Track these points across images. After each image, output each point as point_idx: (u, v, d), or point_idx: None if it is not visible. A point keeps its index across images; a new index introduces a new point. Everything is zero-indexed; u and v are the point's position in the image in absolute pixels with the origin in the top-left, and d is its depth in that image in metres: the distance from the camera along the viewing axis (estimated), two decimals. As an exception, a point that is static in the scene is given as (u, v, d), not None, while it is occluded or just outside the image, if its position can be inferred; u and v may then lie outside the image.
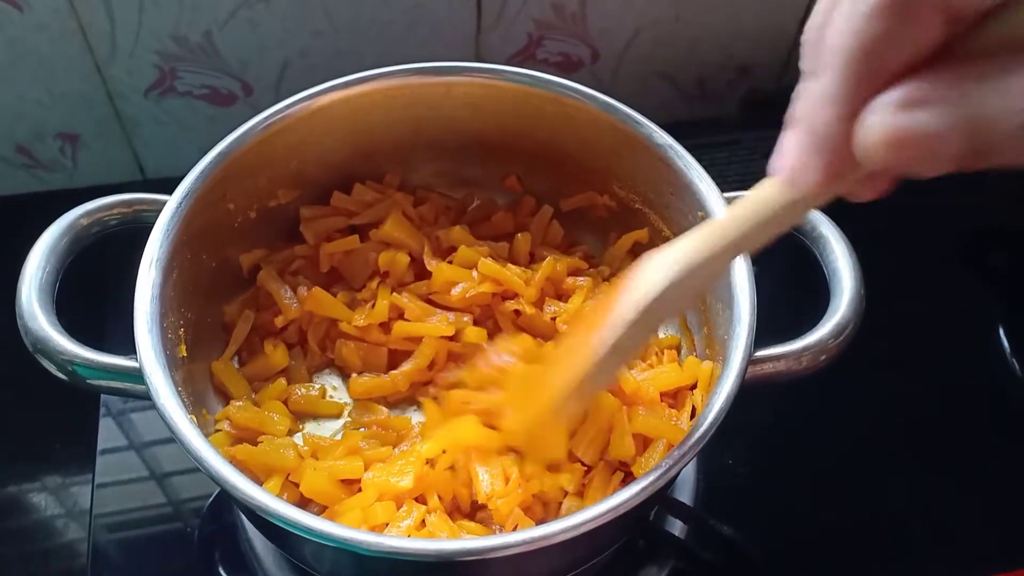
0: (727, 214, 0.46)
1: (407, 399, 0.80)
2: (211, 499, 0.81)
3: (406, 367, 0.78)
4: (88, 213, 0.68)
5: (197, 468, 0.57)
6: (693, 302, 0.52)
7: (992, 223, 1.05)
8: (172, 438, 0.57)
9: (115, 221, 0.69)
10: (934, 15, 0.32)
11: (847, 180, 0.39)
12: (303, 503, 0.69)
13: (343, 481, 0.70)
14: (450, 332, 0.78)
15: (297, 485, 0.69)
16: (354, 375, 0.79)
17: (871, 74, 0.34)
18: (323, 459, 0.72)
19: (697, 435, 0.58)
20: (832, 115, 0.35)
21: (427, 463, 0.70)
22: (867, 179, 0.41)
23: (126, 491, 0.81)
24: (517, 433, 0.66)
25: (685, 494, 0.81)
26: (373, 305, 0.79)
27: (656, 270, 0.50)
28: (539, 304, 0.80)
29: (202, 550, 0.79)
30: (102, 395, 0.85)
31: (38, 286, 0.63)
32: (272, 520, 0.54)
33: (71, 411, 0.85)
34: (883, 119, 0.33)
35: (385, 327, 0.80)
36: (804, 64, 0.38)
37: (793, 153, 0.39)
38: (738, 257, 0.48)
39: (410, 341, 0.79)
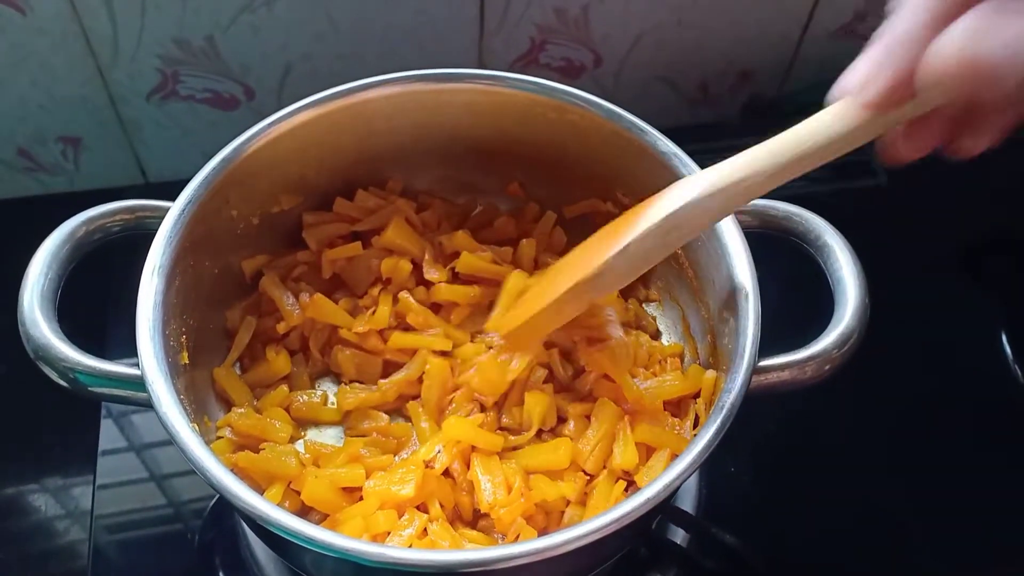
0: (779, 138, 0.46)
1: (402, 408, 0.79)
2: (212, 502, 0.81)
3: (396, 377, 0.78)
4: (90, 220, 0.67)
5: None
6: (717, 220, 0.51)
7: (994, 231, 1.05)
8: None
9: (117, 228, 0.69)
10: None
11: (903, 108, 0.39)
12: (304, 511, 0.69)
13: (344, 489, 0.70)
14: (446, 347, 0.78)
15: (299, 493, 0.68)
16: (342, 385, 0.79)
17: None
18: (324, 467, 0.71)
19: (702, 444, 0.58)
20: (911, 29, 0.36)
21: (425, 465, 0.70)
22: (914, 130, 0.42)
23: (127, 493, 0.81)
24: (513, 320, 0.67)
25: (687, 502, 0.81)
26: (374, 312, 0.79)
27: (690, 183, 0.50)
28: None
29: (203, 553, 0.79)
30: (103, 400, 0.85)
31: (40, 293, 0.63)
32: (272, 530, 0.54)
33: (72, 413, 0.85)
34: (957, 33, 0.34)
35: (384, 335, 0.80)
36: (889, 5, 0.38)
37: (864, 68, 0.40)
38: (778, 181, 0.48)
39: (405, 353, 0.79)
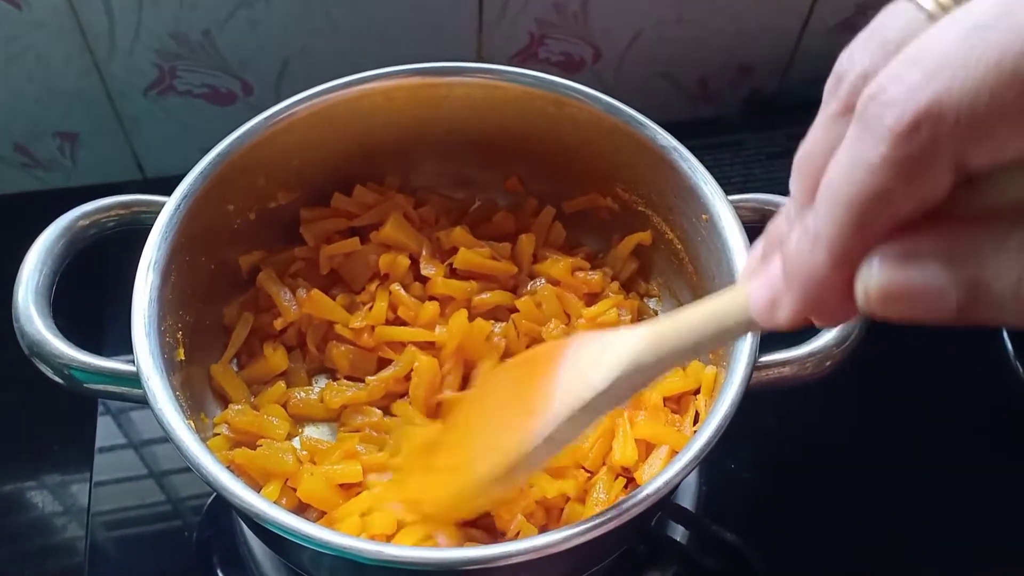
0: (685, 316, 0.45)
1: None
2: (210, 499, 0.81)
3: (383, 374, 0.77)
4: (86, 215, 0.67)
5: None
6: (627, 398, 0.51)
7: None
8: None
9: (113, 223, 0.68)
10: (945, 173, 0.30)
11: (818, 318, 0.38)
12: (301, 508, 0.68)
13: (341, 485, 0.69)
14: (429, 338, 0.77)
15: (296, 490, 0.68)
16: (331, 383, 0.78)
17: (870, 225, 0.32)
18: (320, 463, 0.71)
19: (702, 441, 0.57)
20: (824, 260, 0.34)
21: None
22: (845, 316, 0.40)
23: (124, 489, 0.81)
24: (434, 512, 0.63)
25: (687, 499, 0.81)
26: (371, 308, 0.79)
27: (601, 365, 0.48)
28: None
29: (200, 550, 0.79)
30: (99, 396, 0.85)
31: (35, 288, 0.63)
32: (269, 527, 0.54)
33: (69, 409, 0.85)
34: (880, 272, 0.32)
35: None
36: (793, 187, 0.37)
37: (770, 284, 0.38)
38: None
39: (397, 349, 0.79)
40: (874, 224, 0.32)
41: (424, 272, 0.80)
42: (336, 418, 0.78)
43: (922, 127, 0.29)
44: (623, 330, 0.49)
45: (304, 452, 0.72)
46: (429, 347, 0.78)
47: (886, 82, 0.30)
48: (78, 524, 0.80)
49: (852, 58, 0.33)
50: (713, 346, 0.45)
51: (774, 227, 0.41)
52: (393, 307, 0.79)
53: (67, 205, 0.68)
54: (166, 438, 0.59)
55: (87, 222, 0.67)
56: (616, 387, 0.48)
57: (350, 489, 0.69)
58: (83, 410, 0.85)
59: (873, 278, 0.32)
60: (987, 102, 0.28)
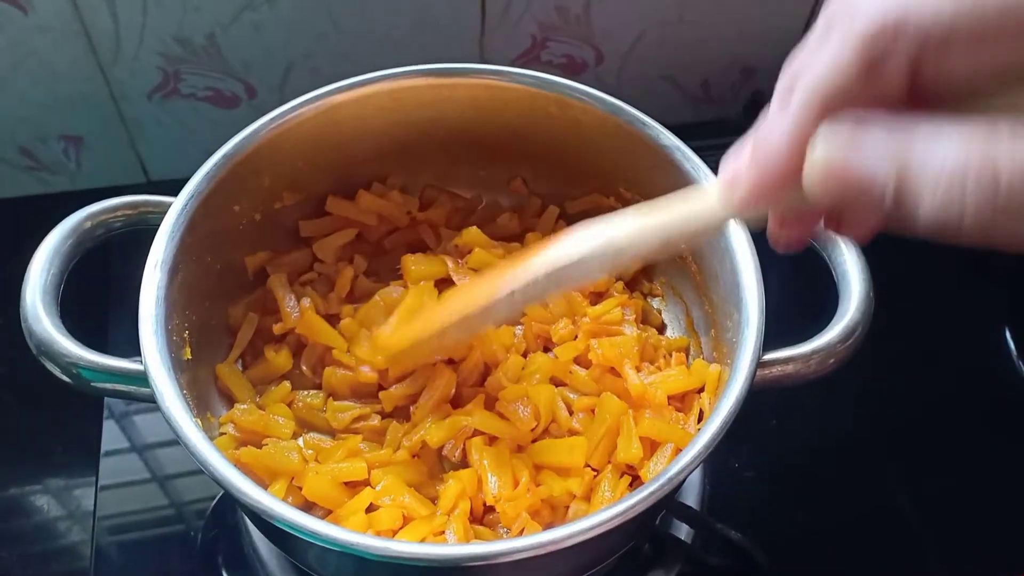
0: (663, 207, 0.48)
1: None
2: (214, 501, 0.81)
3: (395, 391, 0.75)
4: (93, 215, 0.67)
5: (200, 470, 0.57)
6: (598, 277, 0.55)
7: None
8: (175, 440, 0.57)
9: (120, 223, 0.69)
10: (900, 76, 0.34)
11: (776, 202, 0.41)
12: (307, 507, 0.68)
13: (346, 483, 0.70)
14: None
15: (301, 489, 0.68)
16: (331, 403, 0.76)
17: (827, 106, 0.36)
18: (324, 462, 0.71)
19: (706, 439, 0.57)
20: (782, 136, 0.38)
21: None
22: (788, 223, 0.45)
23: (129, 493, 0.82)
24: (392, 347, 0.69)
25: (691, 498, 0.81)
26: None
27: (577, 241, 0.53)
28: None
29: (205, 552, 0.79)
30: (105, 397, 0.85)
31: (42, 288, 0.63)
32: (277, 524, 0.54)
33: (74, 413, 0.86)
34: (824, 140, 0.35)
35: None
36: (775, 98, 0.40)
37: (735, 165, 0.42)
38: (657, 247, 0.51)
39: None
40: (831, 109, 0.36)
41: (458, 284, 0.79)
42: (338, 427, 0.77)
43: (885, 34, 0.34)
44: (608, 217, 0.52)
45: (310, 452, 0.73)
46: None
47: None
48: (83, 528, 0.80)
49: None
50: (682, 234, 0.47)
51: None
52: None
53: (71, 208, 0.68)
54: (170, 442, 0.59)
55: (94, 222, 0.67)
56: (587, 261, 0.52)
57: (355, 487, 0.70)
58: (88, 414, 0.85)
59: (818, 148, 0.35)
60: (945, 23, 0.33)
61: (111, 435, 0.84)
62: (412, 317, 0.70)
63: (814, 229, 0.46)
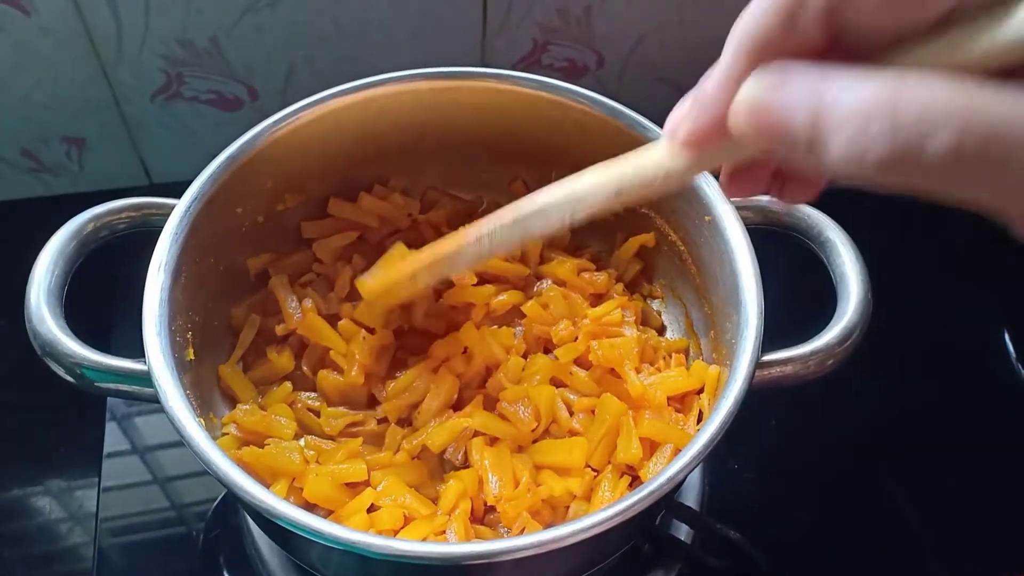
0: (619, 162, 0.50)
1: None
2: (216, 502, 0.82)
3: (399, 401, 0.76)
4: (97, 217, 0.68)
5: (202, 472, 0.57)
6: (560, 225, 0.56)
7: (998, 229, 1.05)
8: (177, 442, 0.58)
9: (123, 225, 0.69)
10: (817, 25, 0.36)
11: (718, 151, 0.43)
12: (308, 507, 0.69)
13: (347, 485, 0.70)
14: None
15: (302, 490, 0.69)
16: (325, 408, 0.77)
17: (753, 56, 0.38)
18: (325, 463, 0.72)
19: (706, 438, 0.58)
20: (716, 82, 0.40)
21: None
22: (736, 175, 0.48)
23: (132, 495, 0.82)
24: (371, 289, 0.72)
25: (691, 499, 0.82)
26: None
27: (545, 192, 0.56)
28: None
29: (207, 553, 0.79)
30: (107, 400, 0.85)
31: (47, 289, 0.63)
32: (280, 523, 0.54)
33: (77, 415, 0.86)
34: (748, 87, 0.37)
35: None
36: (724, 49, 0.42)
37: (678, 112, 0.44)
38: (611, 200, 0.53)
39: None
40: (761, 55, 0.38)
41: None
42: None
43: None
44: (578, 174, 0.54)
45: (311, 452, 0.73)
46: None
47: None
48: (85, 530, 0.80)
49: None
50: (633, 183, 0.49)
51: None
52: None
53: (73, 210, 0.68)
54: (173, 444, 0.59)
55: (99, 224, 0.68)
56: (549, 210, 0.55)
57: (356, 488, 0.70)
58: (90, 416, 0.85)
59: (743, 91, 0.37)
60: None
61: (112, 437, 0.84)
62: (391, 264, 0.73)
63: (761, 184, 0.48)
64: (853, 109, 0.32)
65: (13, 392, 0.89)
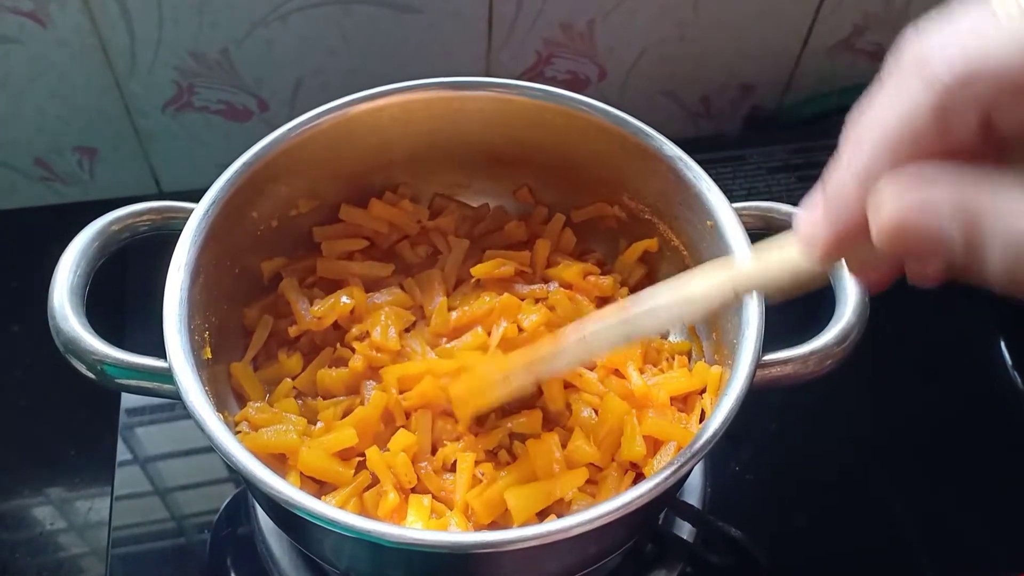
0: (743, 259, 0.50)
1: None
2: (222, 507, 0.83)
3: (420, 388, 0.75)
4: (120, 219, 0.69)
5: (208, 482, 0.57)
6: (669, 327, 0.55)
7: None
8: (185, 452, 0.58)
9: (145, 227, 0.70)
10: (973, 128, 0.34)
11: (852, 252, 0.41)
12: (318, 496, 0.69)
13: (341, 456, 0.70)
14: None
15: (315, 480, 0.69)
16: (322, 400, 0.77)
17: (897, 156, 0.36)
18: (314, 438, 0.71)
19: (708, 434, 0.59)
20: (852, 183, 0.37)
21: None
22: (875, 265, 0.44)
23: (145, 504, 0.83)
24: (459, 395, 0.70)
25: (693, 500, 0.82)
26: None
27: (653, 291, 0.54)
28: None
29: (218, 559, 0.81)
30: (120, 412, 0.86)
31: (69, 288, 0.64)
32: (296, 512, 0.55)
33: (90, 423, 0.87)
34: (891, 190, 0.35)
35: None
36: (842, 142, 0.39)
37: (811, 212, 0.41)
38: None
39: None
40: (901, 156, 0.35)
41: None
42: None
43: (961, 85, 0.33)
44: (693, 271, 0.52)
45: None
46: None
47: (949, 47, 0.34)
48: (98, 539, 0.81)
49: (918, 33, 0.37)
50: (760, 284, 0.49)
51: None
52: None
53: (84, 219, 0.69)
54: (183, 453, 0.60)
55: (120, 226, 0.69)
56: (658, 310, 0.54)
57: (350, 459, 0.71)
58: (104, 424, 0.86)
59: (884, 193, 0.35)
60: (1020, 71, 0.32)
61: (128, 445, 0.85)
62: (478, 366, 0.71)
63: (895, 273, 0.45)
64: (1016, 223, 0.31)
65: (27, 400, 0.89)
